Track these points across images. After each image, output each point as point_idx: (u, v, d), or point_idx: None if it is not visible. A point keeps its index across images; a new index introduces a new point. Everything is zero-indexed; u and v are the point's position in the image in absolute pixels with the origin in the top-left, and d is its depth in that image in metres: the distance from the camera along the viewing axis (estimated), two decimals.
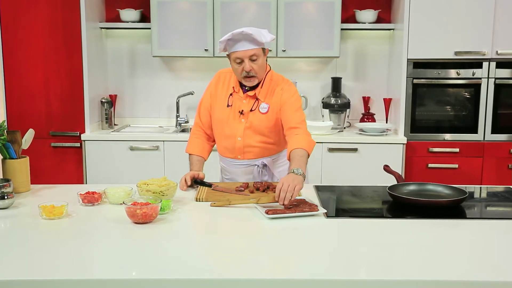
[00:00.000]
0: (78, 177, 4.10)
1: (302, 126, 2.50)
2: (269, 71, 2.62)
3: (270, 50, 4.05)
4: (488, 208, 2.37)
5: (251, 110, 2.57)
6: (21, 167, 2.36)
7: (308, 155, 2.39)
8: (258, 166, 2.62)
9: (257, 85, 2.57)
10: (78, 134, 4.06)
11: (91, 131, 4.09)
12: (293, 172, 2.21)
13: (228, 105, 2.60)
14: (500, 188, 2.67)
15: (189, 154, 2.70)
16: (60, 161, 4.11)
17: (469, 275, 1.54)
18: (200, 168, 2.62)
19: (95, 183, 3.86)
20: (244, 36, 2.42)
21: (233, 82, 2.61)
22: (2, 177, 2.33)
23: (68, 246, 1.75)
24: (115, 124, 4.41)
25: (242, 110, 2.57)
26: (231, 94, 2.61)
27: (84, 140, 4.02)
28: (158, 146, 4.01)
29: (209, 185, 2.45)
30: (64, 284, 1.49)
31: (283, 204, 2.09)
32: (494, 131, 4.01)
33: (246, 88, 2.58)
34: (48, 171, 4.04)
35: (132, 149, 4.01)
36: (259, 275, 1.53)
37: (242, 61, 2.46)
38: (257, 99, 2.57)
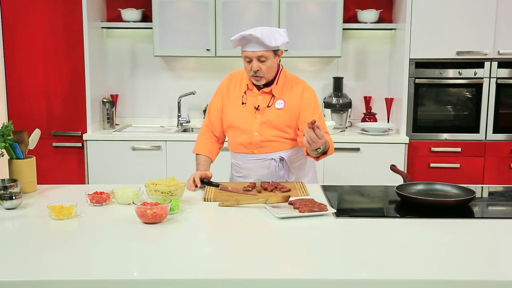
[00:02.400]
0: (79, 177, 4.08)
1: (327, 136, 2.54)
2: (281, 70, 2.65)
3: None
4: (496, 208, 2.38)
5: (267, 106, 2.60)
6: (27, 167, 2.35)
7: (328, 151, 2.47)
8: (274, 160, 2.63)
9: (272, 82, 2.60)
10: (80, 134, 4.05)
11: (93, 131, 4.08)
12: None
13: (243, 103, 2.63)
14: (505, 187, 2.68)
15: (196, 154, 2.70)
16: (61, 161, 4.10)
17: (479, 274, 1.54)
18: (207, 168, 2.62)
19: (97, 183, 3.85)
20: (253, 38, 2.45)
21: (247, 80, 2.64)
22: (9, 177, 2.32)
23: (79, 246, 1.74)
24: (116, 124, 4.39)
25: (258, 106, 2.60)
26: (245, 92, 2.64)
27: (86, 140, 4.01)
28: (160, 146, 4.00)
29: (216, 185, 2.45)
30: (76, 284, 1.49)
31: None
32: (496, 130, 4.03)
33: (261, 86, 2.61)
34: (49, 171, 4.02)
35: (134, 149, 4.00)
36: (269, 275, 1.52)
37: (251, 60, 2.50)
38: (273, 95, 2.61)
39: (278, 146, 2.63)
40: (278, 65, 2.62)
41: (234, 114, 2.64)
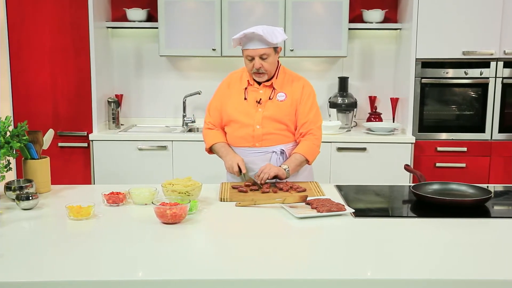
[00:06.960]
0: (85, 177, 4.07)
1: (316, 132, 2.68)
2: (280, 65, 2.73)
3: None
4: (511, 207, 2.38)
5: (269, 99, 2.67)
6: (42, 168, 2.34)
7: (308, 161, 2.67)
8: (275, 152, 2.68)
9: (272, 77, 2.68)
10: (86, 134, 4.04)
11: (99, 131, 4.06)
12: (280, 166, 2.58)
13: (245, 98, 2.69)
14: None
15: (213, 145, 2.74)
16: (67, 161, 4.08)
17: (499, 273, 1.55)
18: (234, 152, 2.68)
19: (103, 184, 3.83)
20: (255, 35, 2.52)
21: (247, 76, 2.71)
22: (23, 178, 2.31)
23: (99, 247, 1.74)
24: (121, 124, 4.38)
25: (260, 99, 2.67)
26: (246, 88, 2.70)
27: (92, 140, 3.99)
28: (166, 146, 3.99)
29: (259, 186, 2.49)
30: (100, 285, 1.48)
31: (260, 183, 2.47)
32: (501, 130, 4.03)
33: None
34: (55, 172, 3.97)
35: (140, 149, 3.99)
36: (288, 276, 1.52)
37: (253, 59, 2.58)
38: (273, 88, 2.68)
39: (279, 139, 2.69)
40: (277, 60, 2.70)
41: (235, 109, 2.69)
